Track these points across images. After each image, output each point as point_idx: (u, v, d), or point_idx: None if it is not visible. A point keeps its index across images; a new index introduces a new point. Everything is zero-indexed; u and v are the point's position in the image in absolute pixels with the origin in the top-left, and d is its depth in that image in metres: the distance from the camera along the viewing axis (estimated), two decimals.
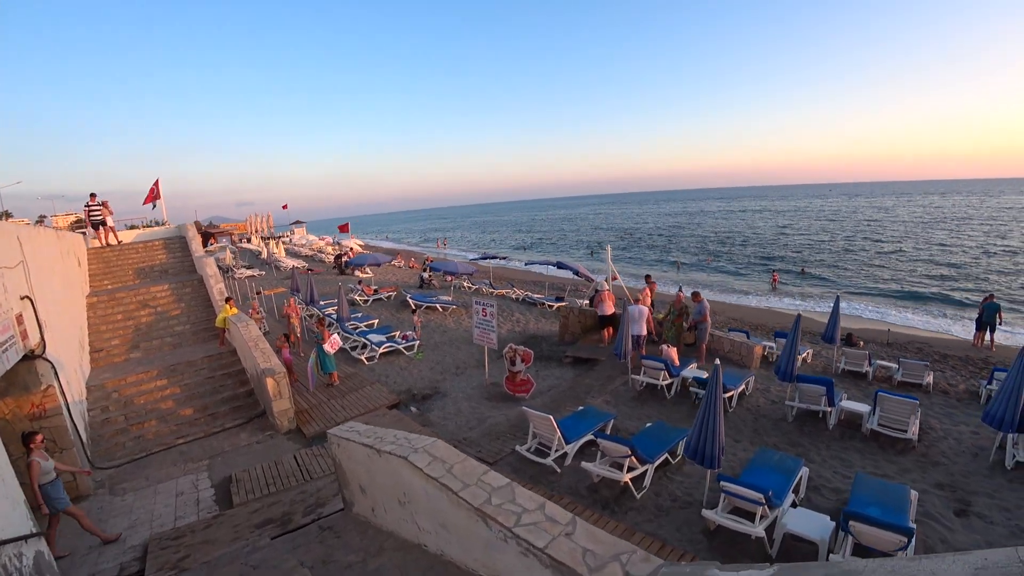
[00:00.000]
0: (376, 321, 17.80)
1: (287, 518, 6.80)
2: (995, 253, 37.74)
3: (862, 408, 9.28)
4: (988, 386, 11.16)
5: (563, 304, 21.83)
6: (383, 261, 26.63)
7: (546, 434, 7.94)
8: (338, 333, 13.16)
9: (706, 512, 5.98)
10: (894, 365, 12.98)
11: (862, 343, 17.05)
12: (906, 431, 8.50)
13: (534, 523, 3.39)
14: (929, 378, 12.10)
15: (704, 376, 10.55)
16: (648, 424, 8.59)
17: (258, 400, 11.34)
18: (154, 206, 21.98)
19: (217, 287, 14.64)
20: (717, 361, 6.13)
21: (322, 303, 19.38)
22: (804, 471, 7.05)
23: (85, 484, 8.32)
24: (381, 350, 14.60)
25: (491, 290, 25.89)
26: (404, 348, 15.03)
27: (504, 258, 33.22)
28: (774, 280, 32.54)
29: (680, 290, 14.39)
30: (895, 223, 62.77)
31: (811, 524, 5.72)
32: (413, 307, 19.94)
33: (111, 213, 17.68)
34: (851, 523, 5.30)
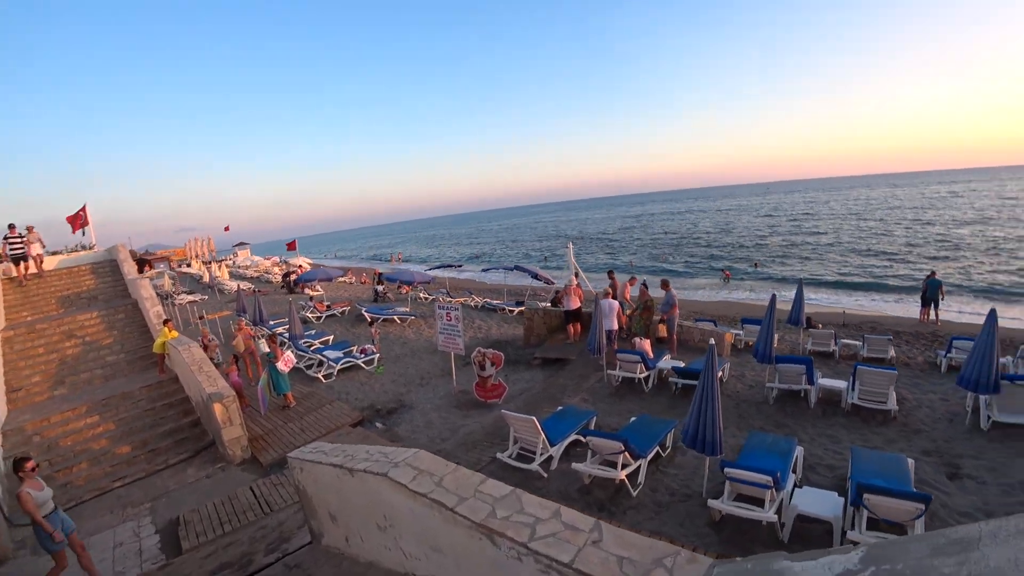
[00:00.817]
0: (331, 337, 16.81)
1: (247, 559, 5.99)
2: (926, 238, 39.94)
3: (839, 384, 9.27)
4: (947, 356, 11.43)
5: (524, 308, 21.38)
6: (334, 276, 25.49)
7: (528, 437, 7.39)
8: (291, 351, 12.21)
9: (712, 502, 5.58)
10: (858, 342, 13.19)
11: (820, 325, 17.39)
12: (885, 403, 8.49)
13: (552, 534, 2.85)
14: (892, 352, 12.37)
15: (682, 365, 10.30)
16: (632, 419, 8.19)
17: (206, 430, 10.30)
18: (83, 232, 20.23)
19: (154, 310, 13.39)
20: (712, 341, 5.78)
21: (272, 323, 18.21)
22: (799, 450, 6.81)
23: (2, 545, 7.17)
24: (339, 366, 13.70)
25: (448, 299, 25.18)
26: (363, 363, 14.17)
27: (459, 267, 32.51)
28: (726, 276, 33.27)
29: (644, 284, 14.20)
30: (832, 216, 65.63)
31: (821, 503, 5.44)
32: (370, 320, 19.03)
33: (40, 241, 15.62)
34: (865, 496, 5.01)
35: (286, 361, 11.24)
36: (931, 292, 17.23)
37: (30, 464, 5.89)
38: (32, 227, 15.36)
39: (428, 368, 14.03)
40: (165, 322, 11.98)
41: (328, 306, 21.86)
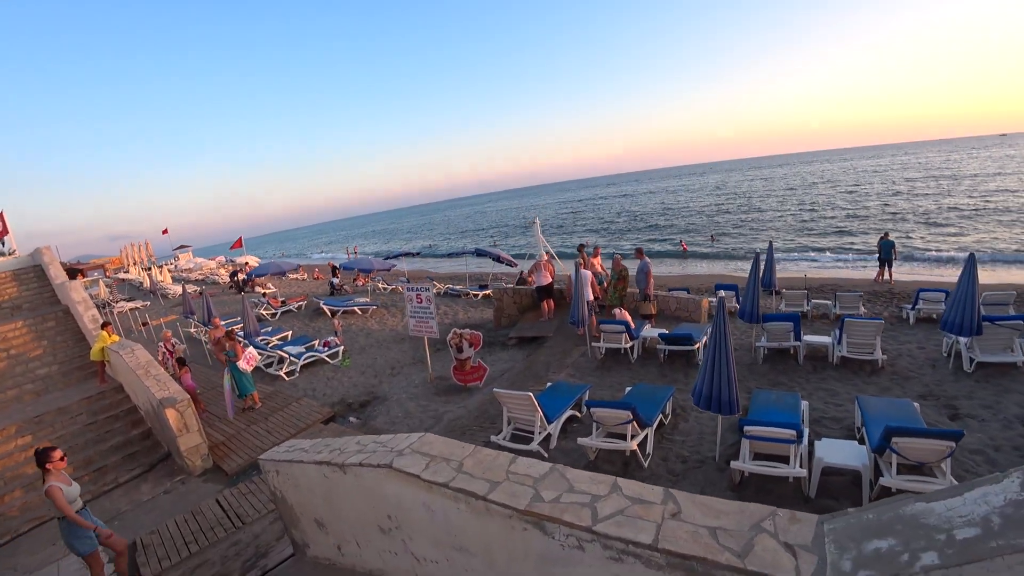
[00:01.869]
0: (289, 333, 15.75)
1: None
2: (867, 208, 41.51)
3: (824, 340, 9.22)
4: (914, 309, 11.61)
5: (489, 292, 20.83)
6: (287, 269, 24.08)
7: (524, 416, 6.87)
8: (252, 349, 11.18)
9: (735, 463, 5.22)
10: (828, 302, 13.30)
11: (785, 289, 17.63)
12: (872, 353, 8.45)
13: (619, 511, 2.33)
14: (863, 309, 12.52)
15: (666, 332, 10.01)
16: (628, 388, 7.80)
17: (159, 441, 9.30)
18: (2, 243, 18.27)
19: (88, 314, 12.09)
20: (721, 294, 5.40)
21: (224, 323, 16.95)
22: (804, 404, 6.59)
23: None
24: (302, 362, 12.76)
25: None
26: (327, 356, 13.27)
27: (418, 254, 31.41)
28: (683, 248, 33.66)
29: (617, 254, 13.85)
30: (773, 193, 67.26)
31: (845, 453, 5.17)
32: (330, 312, 18.01)
33: None
34: (895, 440, 4.75)
35: (248, 359, 10.29)
36: (885, 253, 17.74)
37: (58, 454, 5.13)
38: None
39: (398, 357, 13.29)
40: (103, 326, 10.79)
41: (283, 302, 20.60)
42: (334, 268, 25.18)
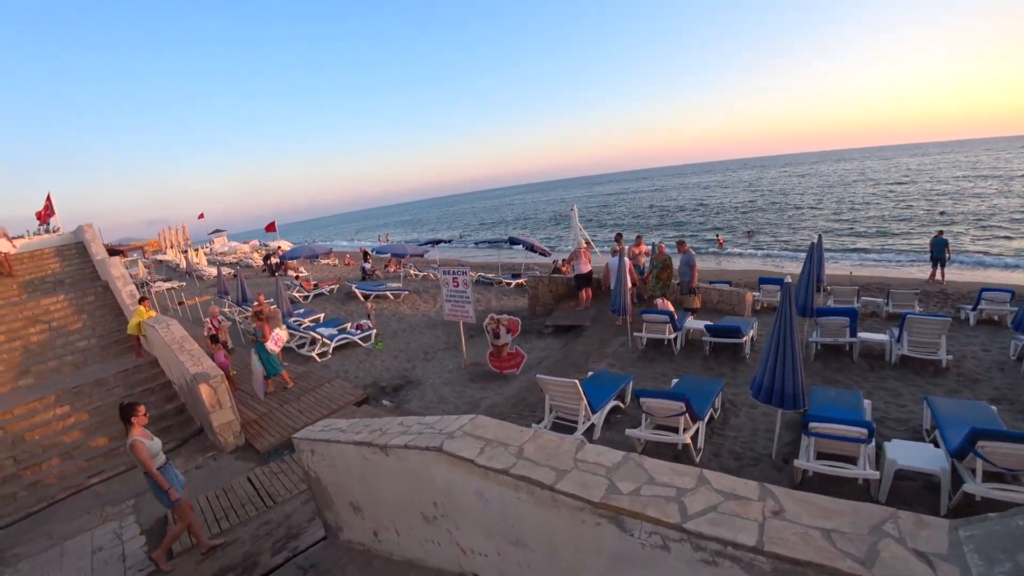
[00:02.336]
0: (321, 316, 15.74)
1: (251, 561, 5.13)
2: (910, 206, 39.62)
3: (882, 337, 8.70)
4: (975, 310, 10.89)
5: (522, 281, 20.54)
6: (319, 252, 24.15)
7: (568, 404, 6.57)
8: (282, 329, 11.07)
9: (798, 462, 4.83)
10: (880, 300, 12.61)
11: (833, 286, 16.88)
12: (936, 352, 7.89)
13: (711, 508, 2.02)
14: (917, 307, 11.80)
15: (711, 324, 9.57)
16: (675, 380, 7.42)
17: (192, 416, 9.31)
18: (48, 225, 18.75)
19: (126, 289, 12.23)
20: (787, 279, 4.99)
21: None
22: (867, 403, 6.13)
23: None
24: (334, 344, 12.69)
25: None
26: (360, 339, 13.17)
27: (449, 241, 31.08)
28: (720, 242, 32.73)
29: (660, 242, 13.36)
30: (811, 190, 64.80)
31: (920, 455, 4.74)
32: (362, 296, 17.97)
33: (5, 236, 13.29)
34: (981, 443, 4.30)
35: (276, 340, 10.21)
36: (937, 251, 16.78)
37: (142, 409, 5.22)
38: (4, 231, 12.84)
39: (430, 342, 13.12)
40: (141, 300, 10.86)
41: (315, 285, 20.67)
42: (365, 253, 25.17)
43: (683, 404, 5.40)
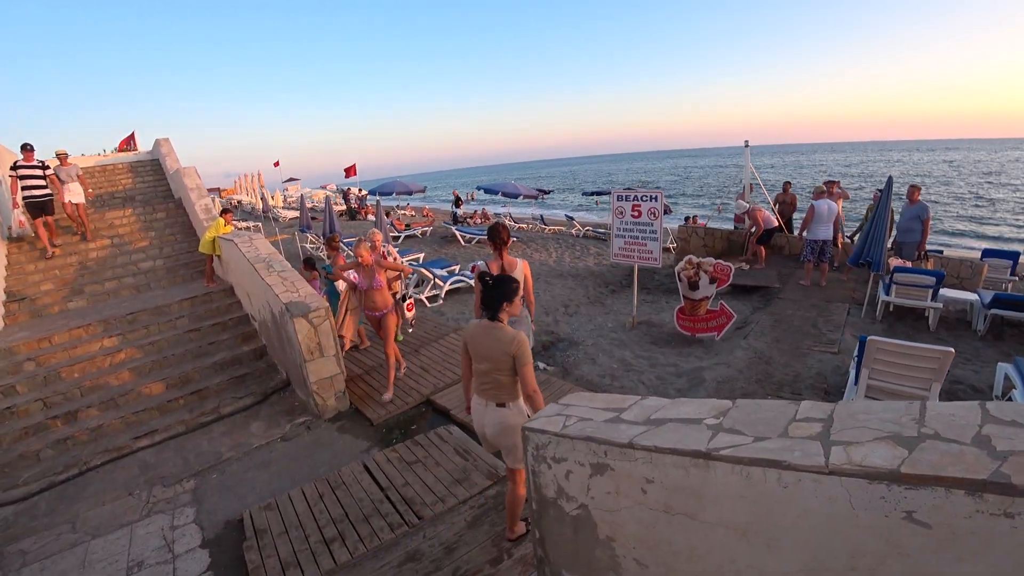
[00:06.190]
0: (422, 255, 13.04)
1: None
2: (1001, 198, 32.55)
3: (969, 296, 6.78)
4: None
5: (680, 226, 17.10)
6: (413, 189, 21.52)
7: (902, 385, 3.41)
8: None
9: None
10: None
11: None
12: None
13: None
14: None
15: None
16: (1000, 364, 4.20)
17: (276, 363, 6.77)
18: None
19: (201, 202, 9.91)
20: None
21: (345, 241, 14.69)
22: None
23: None
24: (447, 286, 9.94)
25: (543, 226, 21.12)
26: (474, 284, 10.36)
27: (550, 192, 27.29)
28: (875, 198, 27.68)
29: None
30: (909, 174, 56.84)
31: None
32: (463, 240, 15.19)
33: (79, 177, 9.05)
34: None
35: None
36: None
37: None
38: (65, 154, 9.22)
39: (566, 294, 10.14)
40: (223, 213, 8.43)
41: (407, 225, 18.15)
42: (457, 198, 22.24)
43: None
